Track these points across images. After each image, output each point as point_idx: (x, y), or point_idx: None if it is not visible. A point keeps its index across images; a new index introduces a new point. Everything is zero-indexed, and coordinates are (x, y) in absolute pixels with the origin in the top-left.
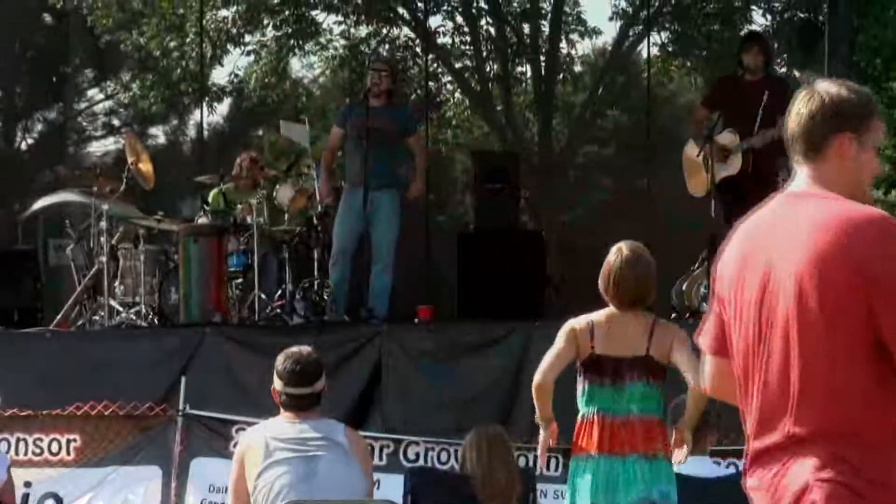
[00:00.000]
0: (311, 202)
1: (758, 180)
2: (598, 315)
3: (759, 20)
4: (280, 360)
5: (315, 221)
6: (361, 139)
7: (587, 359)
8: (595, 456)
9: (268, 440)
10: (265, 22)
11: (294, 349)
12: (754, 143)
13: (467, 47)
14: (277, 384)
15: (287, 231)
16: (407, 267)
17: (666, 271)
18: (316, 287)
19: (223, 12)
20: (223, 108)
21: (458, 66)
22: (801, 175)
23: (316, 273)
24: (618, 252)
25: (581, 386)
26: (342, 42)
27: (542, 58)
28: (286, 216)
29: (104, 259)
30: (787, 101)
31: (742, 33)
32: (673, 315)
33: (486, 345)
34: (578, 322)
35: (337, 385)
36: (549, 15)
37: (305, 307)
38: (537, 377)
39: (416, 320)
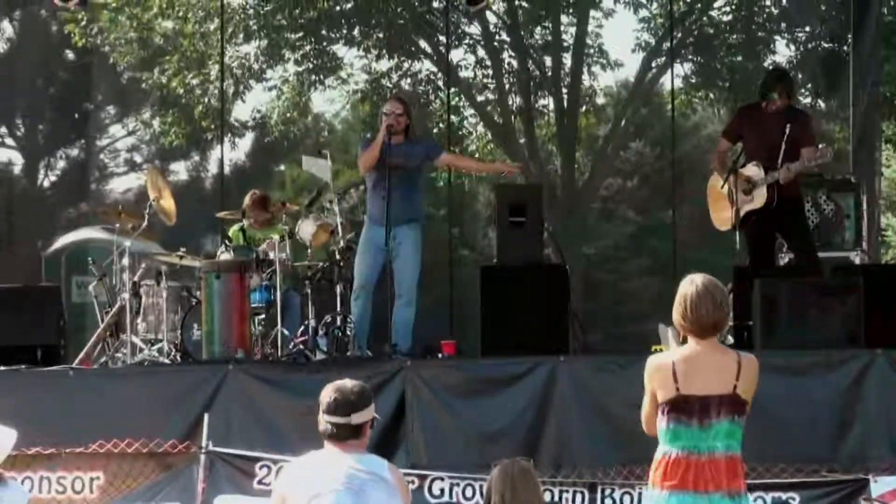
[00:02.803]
0: (334, 237)
1: (782, 212)
2: (679, 352)
3: (783, 51)
4: (324, 391)
5: (337, 256)
6: (382, 177)
7: (673, 399)
8: (679, 494)
9: (312, 473)
10: (286, 57)
11: (340, 381)
12: (779, 177)
13: (489, 80)
14: (320, 415)
15: (310, 266)
16: (430, 301)
17: None
18: (339, 322)
19: (245, 48)
20: (245, 143)
21: (480, 99)
22: None
23: (339, 308)
24: (691, 282)
25: (664, 424)
26: (363, 76)
27: (565, 90)
28: (308, 251)
29: (126, 296)
30: (809, 132)
31: (767, 65)
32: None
33: (510, 380)
34: (659, 360)
35: None
36: (571, 48)
37: (328, 343)
38: (646, 429)
39: (439, 355)
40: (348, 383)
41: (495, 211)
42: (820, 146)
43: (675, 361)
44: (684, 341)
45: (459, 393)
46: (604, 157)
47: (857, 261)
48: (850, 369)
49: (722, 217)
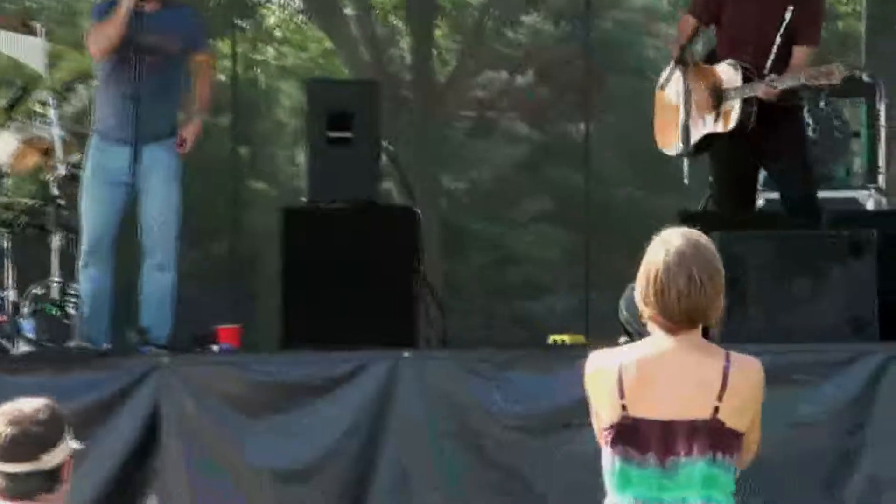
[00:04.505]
0: (50, 160)
1: (765, 132)
2: (635, 350)
3: None
4: None
5: (55, 191)
6: (127, 63)
7: (618, 423)
8: None
9: None
10: None
11: (10, 405)
12: (759, 92)
13: None
14: None
15: (9, 205)
16: (202, 264)
17: (611, 270)
18: (56, 296)
19: None
20: None
21: None
22: None
23: (56, 273)
24: (662, 244)
25: (609, 461)
26: None
27: None
28: (5, 181)
29: None
30: (816, 21)
31: None
32: (623, 339)
33: (326, 387)
34: (600, 361)
35: (90, 452)
36: None
37: (37, 327)
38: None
39: (214, 347)
40: (26, 406)
41: (306, 122)
42: (835, 65)
43: (622, 365)
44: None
45: (245, 408)
46: (479, 38)
47: (870, 204)
48: (855, 374)
49: (671, 136)
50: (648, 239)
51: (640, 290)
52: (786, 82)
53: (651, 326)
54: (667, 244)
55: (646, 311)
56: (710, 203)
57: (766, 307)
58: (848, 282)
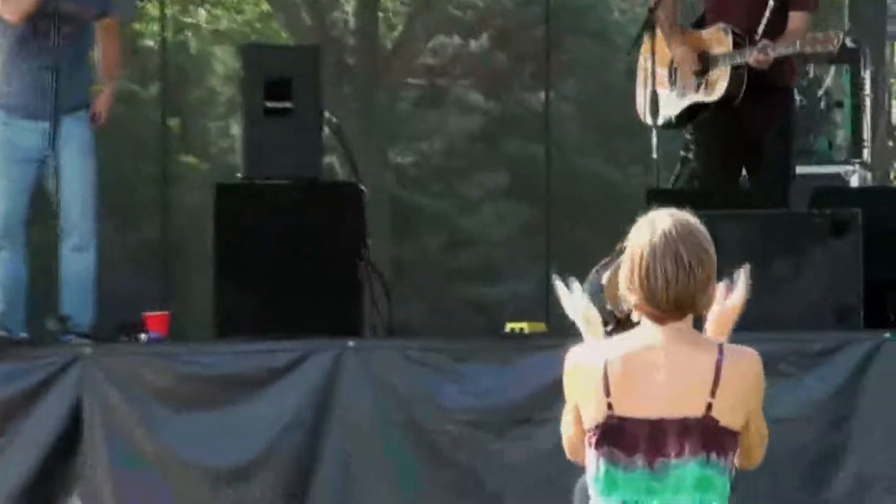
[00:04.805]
0: None
1: (752, 112)
2: (621, 343)
3: None
4: None
5: None
6: (42, 33)
7: (604, 422)
8: None
9: None
10: None
11: None
12: (749, 59)
13: None
14: None
15: None
16: (126, 245)
17: (574, 252)
18: None
19: None
20: None
21: None
22: None
23: None
24: (650, 226)
25: (594, 463)
26: None
27: None
28: None
29: None
30: None
31: None
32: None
33: (264, 379)
34: (582, 356)
35: (9, 446)
36: None
37: None
38: (570, 456)
39: (142, 336)
40: None
41: (241, 90)
42: (832, 31)
43: (608, 361)
44: (615, 327)
45: (175, 401)
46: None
47: (855, 181)
48: (839, 365)
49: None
50: (614, 217)
51: (625, 275)
52: (779, 49)
53: (637, 316)
54: (653, 225)
55: (631, 299)
56: (684, 178)
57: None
58: (831, 265)
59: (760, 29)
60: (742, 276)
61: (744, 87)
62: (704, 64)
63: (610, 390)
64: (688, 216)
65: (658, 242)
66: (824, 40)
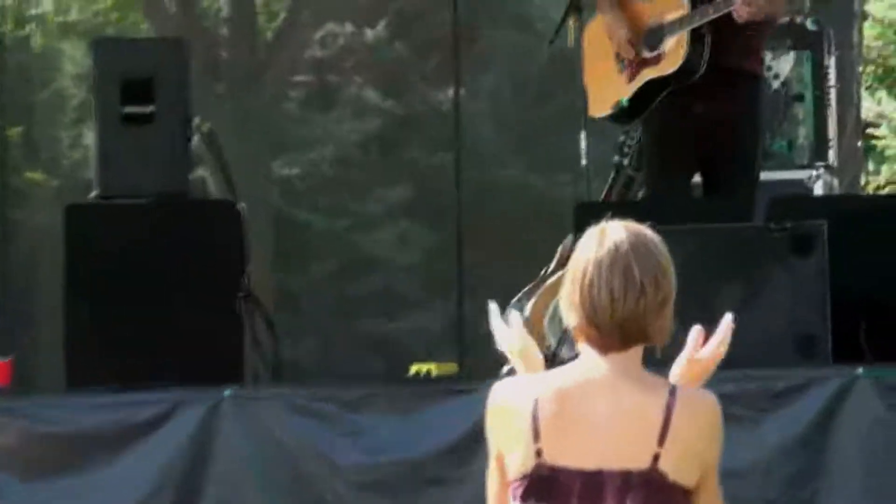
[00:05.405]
0: None
1: (716, 95)
2: (555, 378)
3: None
4: None
5: None
6: None
7: (531, 472)
8: None
9: None
10: None
11: None
12: (738, 8)
13: None
14: None
15: None
16: None
17: (492, 277)
18: None
19: None
20: None
21: None
22: None
23: None
24: (599, 235)
25: None
26: None
27: None
28: None
29: None
30: None
31: None
32: (506, 368)
33: (126, 437)
34: (509, 392)
35: None
36: None
37: None
38: None
39: None
40: None
41: (94, 94)
42: None
43: (538, 399)
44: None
45: (19, 467)
46: None
47: (819, 188)
48: (803, 407)
49: (605, 93)
50: (538, 237)
51: (566, 291)
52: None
53: (578, 344)
54: (603, 234)
55: (571, 320)
56: (619, 187)
57: (686, 320)
58: (792, 288)
59: None
60: (725, 326)
61: (706, 55)
62: (655, 36)
63: (540, 434)
64: (646, 230)
65: (606, 253)
66: None
